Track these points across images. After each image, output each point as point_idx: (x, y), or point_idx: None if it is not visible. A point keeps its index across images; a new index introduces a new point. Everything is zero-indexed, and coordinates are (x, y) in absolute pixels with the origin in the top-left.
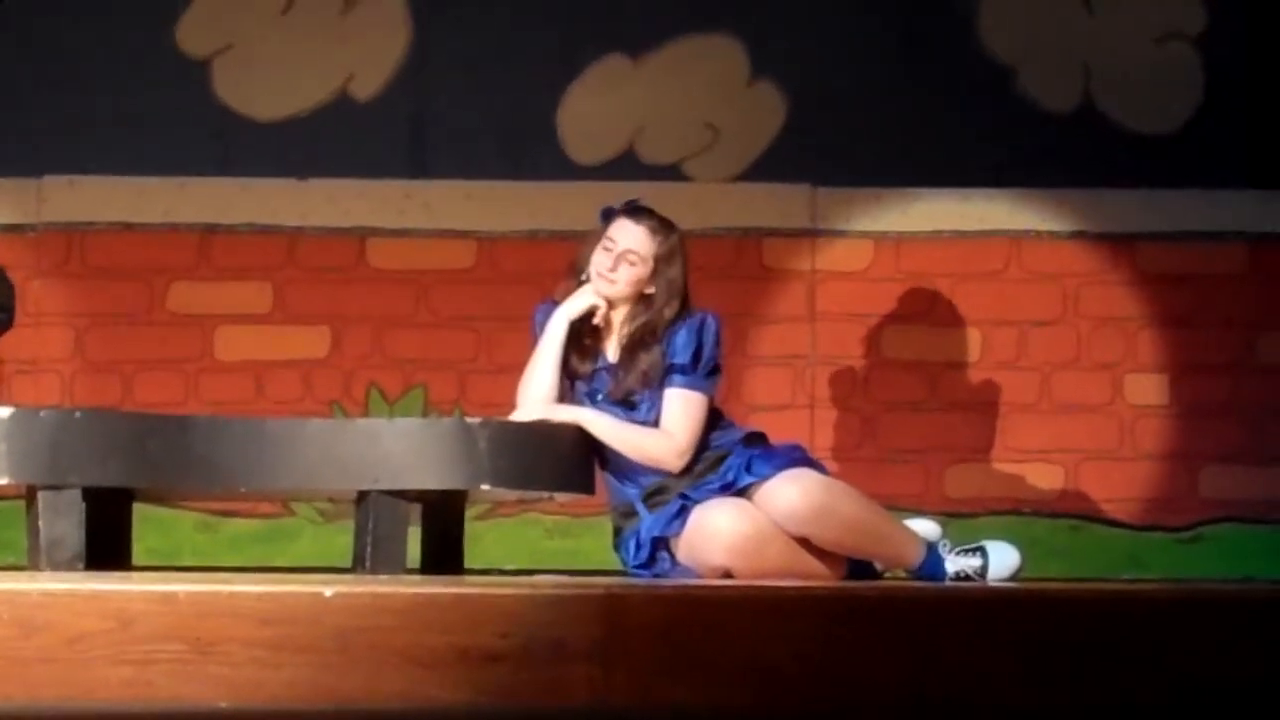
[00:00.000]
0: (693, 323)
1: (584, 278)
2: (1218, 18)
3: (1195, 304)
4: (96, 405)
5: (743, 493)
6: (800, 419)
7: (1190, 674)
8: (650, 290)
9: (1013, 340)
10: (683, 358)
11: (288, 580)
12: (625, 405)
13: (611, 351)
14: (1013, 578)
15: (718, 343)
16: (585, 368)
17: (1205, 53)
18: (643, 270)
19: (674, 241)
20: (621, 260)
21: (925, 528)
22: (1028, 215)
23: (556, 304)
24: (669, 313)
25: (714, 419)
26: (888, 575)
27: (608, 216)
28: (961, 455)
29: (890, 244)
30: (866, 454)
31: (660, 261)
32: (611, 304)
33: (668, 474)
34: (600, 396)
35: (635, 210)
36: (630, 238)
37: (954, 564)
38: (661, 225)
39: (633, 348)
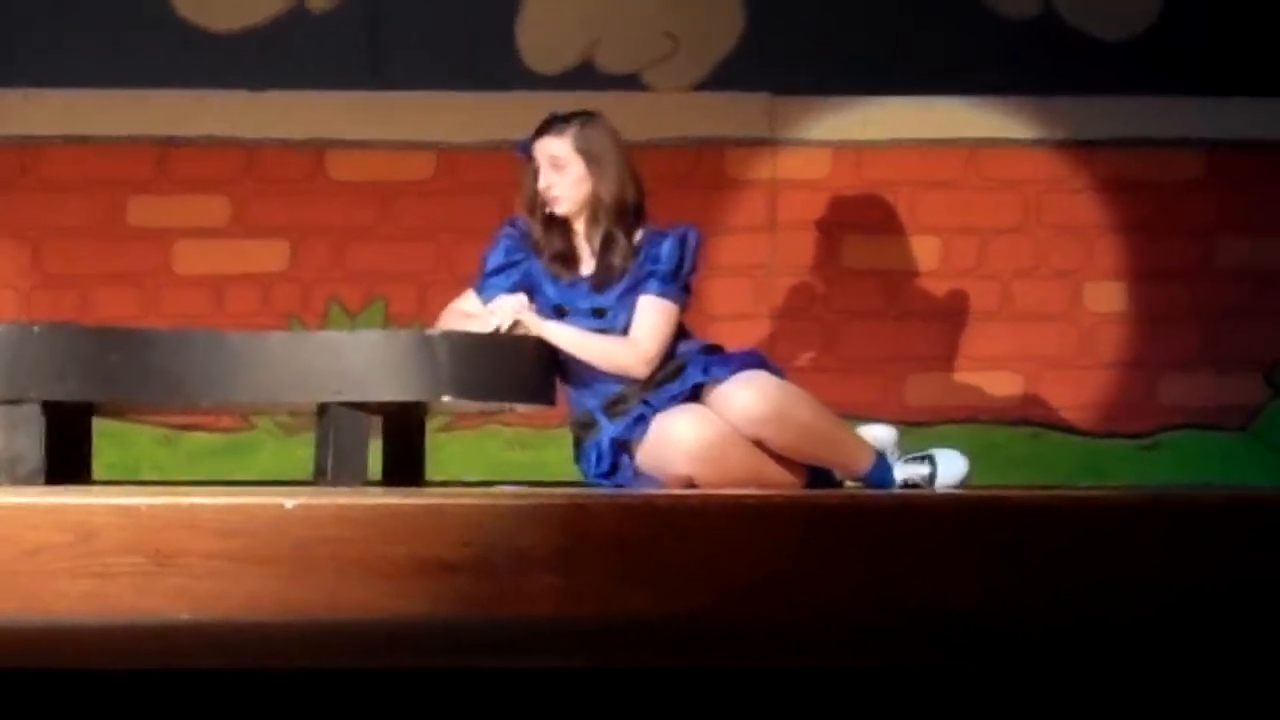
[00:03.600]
0: (677, 233)
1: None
2: None
3: (1155, 211)
4: (54, 320)
5: (698, 394)
6: (760, 329)
7: (1148, 579)
8: (591, 183)
9: (972, 249)
10: (665, 265)
11: (248, 493)
12: (596, 315)
13: (586, 265)
14: (960, 485)
15: (697, 257)
16: (571, 272)
17: None
18: (575, 168)
19: (588, 126)
20: (550, 173)
21: (881, 433)
22: (988, 122)
23: (520, 225)
24: (612, 191)
25: (678, 330)
26: (846, 484)
27: (525, 148)
28: (921, 364)
29: (850, 153)
30: (826, 363)
31: (584, 151)
32: (572, 219)
33: (628, 383)
34: (568, 310)
35: (541, 128)
36: (546, 149)
37: (902, 471)
38: (567, 120)
39: (604, 246)
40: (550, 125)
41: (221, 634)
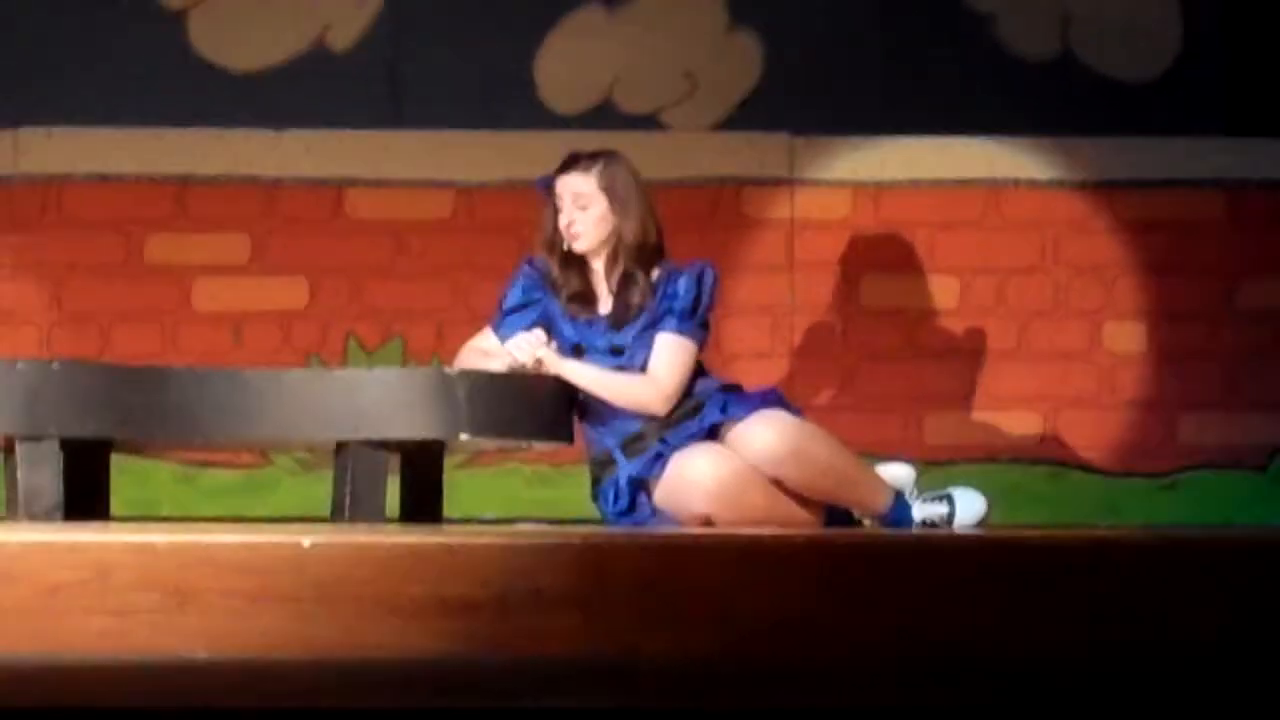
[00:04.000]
0: (693, 270)
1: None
2: None
3: (1174, 252)
4: (74, 357)
5: (716, 432)
6: (778, 368)
7: (1166, 620)
8: (614, 221)
9: (991, 288)
10: (683, 302)
11: (266, 530)
12: (613, 353)
13: (604, 303)
14: (979, 524)
15: (714, 294)
16: (589, 312)
17: (1183, 0)
18: (598, 206)
19: (611, 164)
20: (574, 208)
21: (900, 472)
22: (1006, 163)
23: (538, 264)
24: (634, 229)
25: (696, 368)
26: (865, 524)
27: (545, 185)
28: (939, 403)
29: (869, 193)
30: (845, 403)
31: (607, 189)
32: (591, 257)
33: (646, 422)
34: (587, 349)
35: (564, 165)
36: (571, 186)
37: (921, 511)
38: (592, 158)
39: (621, 288)
40: (575, 162)
41: (239, 673)
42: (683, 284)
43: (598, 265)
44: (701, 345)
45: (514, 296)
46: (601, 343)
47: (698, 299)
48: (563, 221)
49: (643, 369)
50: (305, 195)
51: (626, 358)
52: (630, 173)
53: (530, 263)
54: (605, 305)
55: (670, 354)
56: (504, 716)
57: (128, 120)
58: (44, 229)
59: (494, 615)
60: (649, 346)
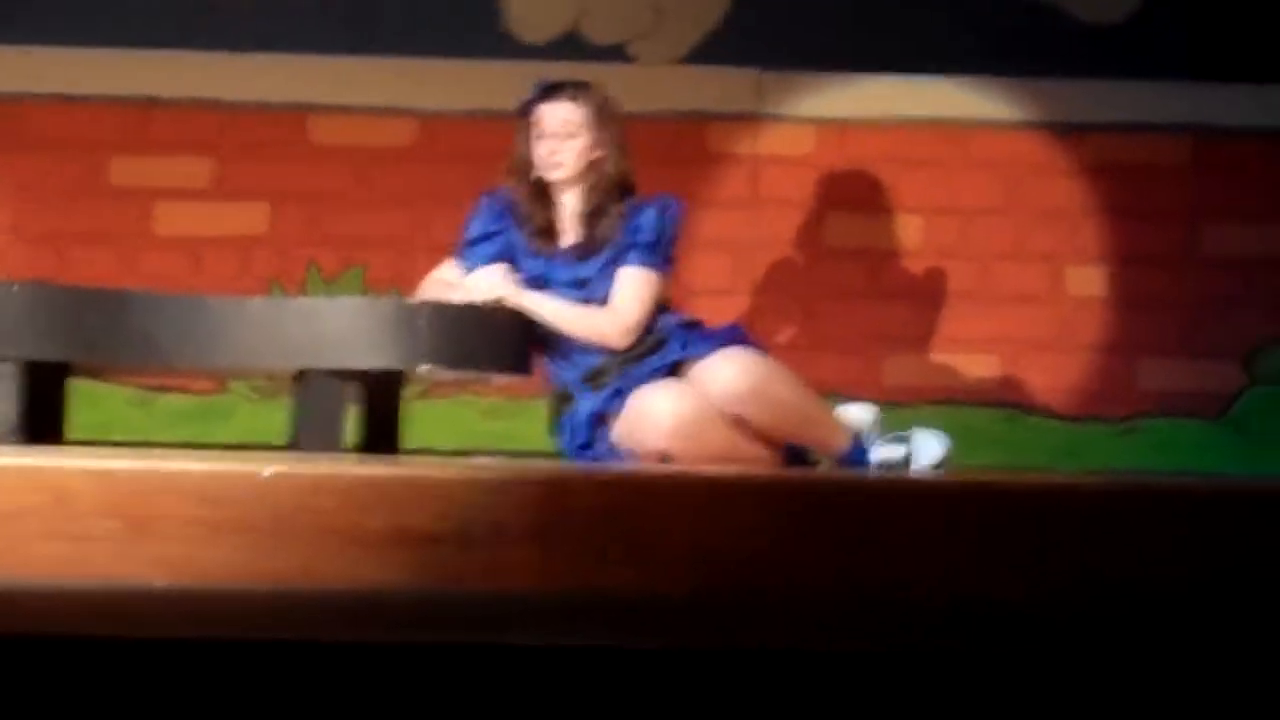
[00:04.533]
0: (659, 204)
1: (534, 174)
2: None
3: (1139, 195)
4: (32, 279)
5: (677, 369)
6: (740, 305)
7: (1121, 566)
8: (598, 153)
9: (954, 229)
10: (647, 236)
11: (226, 459)
12: (577, 286)
13: (568, 236)
14: (938, 467)
15: (677, 228)
16: (551, 247)
17: None
18: (583, 138)
19: (598, 97)
20: (558, 137)
21: (862, 413)
22: (972, 103)
23: (496, 196)
24: (617, 165)
25: (658, 305)
26: (821, 464)
27: (525, 110)
28: (900, 344)
29: (834, 130)
30: (805, 341)
31: (594, 122)
32: (561, 188)
33: (607, 356)
34: (550, 281)
35: (549, 90)
36: (557, 113)
37: (879, 452)
38: (580, 89)
39: (591, 220)
40: (562, 90)
41: (197, 602)
42: (648, 218)
43: (567, 197)
44: (665, 278)
45: (477, 227)
46: (565, 275)
47: (662, 233)
48: (542, 149)
49: (605, 303)
50: (268, 120)
51: (590, 290)
52: (614, 107)
53: (492, 193)
54: (569, 238)
55: (633, 287)
56: (462, 651)
57: (90, 40)
58: (4, 149)
59: (454, 549)
60: (612, 280)
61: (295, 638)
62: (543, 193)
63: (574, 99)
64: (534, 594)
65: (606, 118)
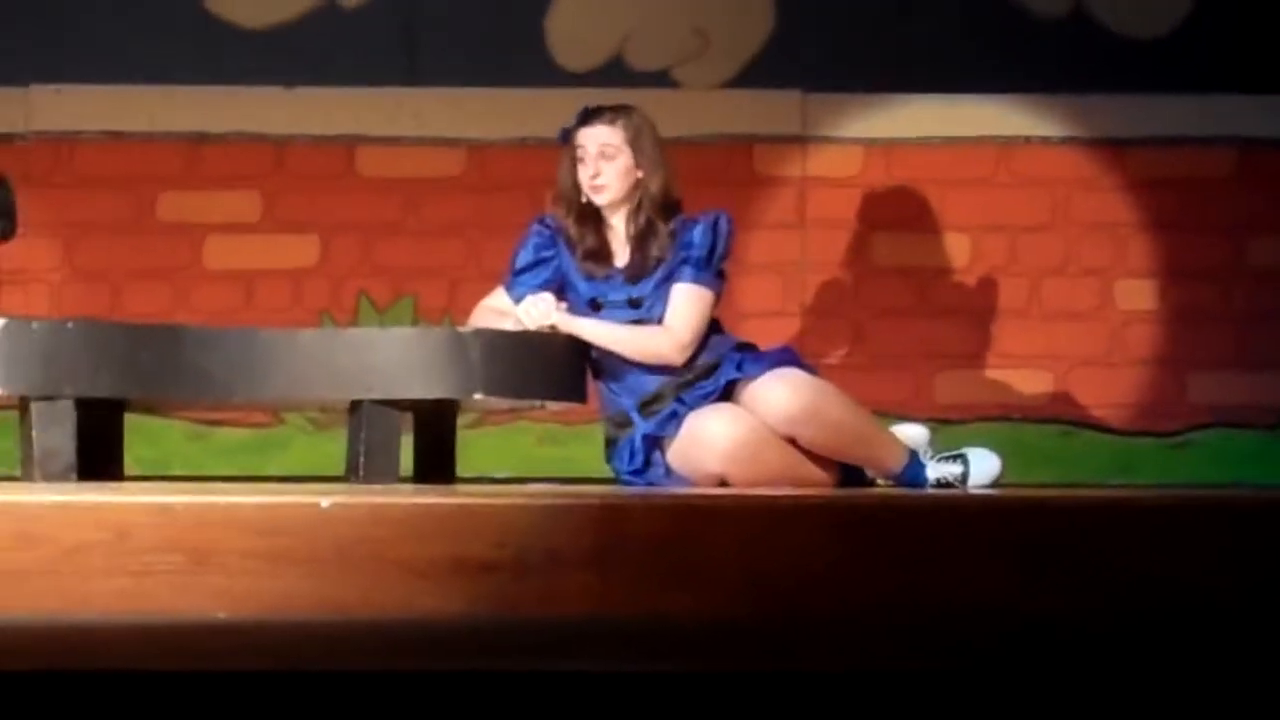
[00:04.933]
0: (708, 219)
1: (582, 199)
2: None
3: (1185, 209)
4: (85, 316)
5: (730, 391)
6: (790, 326)
7: (1178, 579)
8: (640, 173)
9: (1002, 246)
10: (698, 251)
11: (285, 491)
12: (632, 306)
13: (620, 257)
14: (993, 484)
15: (729, 243)
16: (603, 269)
17: None
18: (624, 159)
19: (636, 118)
20: (599, 160)
21: (914, 432)
22: (1018, 120)
23: (544, 223)
24: (659, 182)
25: (712, 326)
26: (879, 483)
27: (566, 136)
28: (951, 362)
29: (880, 150)
30: (856, 361)
31: (632, 142)
32: (609, 211)
33: (663, 381)
34: (604, 303)
35: (587, 115)
36: (596, 137)
37: (935, 470)
38: (617, 111)
39: (640, 240)
40: (598, 114)
41: (258, 633)
42: (697, 233)
43: (616, 219)
44: (718, 295)
45: (525, 256)
46: (618, 296)
47: (713, 248)
48: (585, 174)
49: (661, 321)
50: (316, 153)
51: (644, 310)
52: (652, 127)
53: (541, 221)
54: (621, 259)
55: (686, 303)
56: (520, 678)
57: (139, 78)
58: (55, 187)
59: (511, 576)
60: (666, 298)
61: (357, 668)
62: (592, 217)
63: (611, 122)
64: (591, 620)
65: (646, 137)
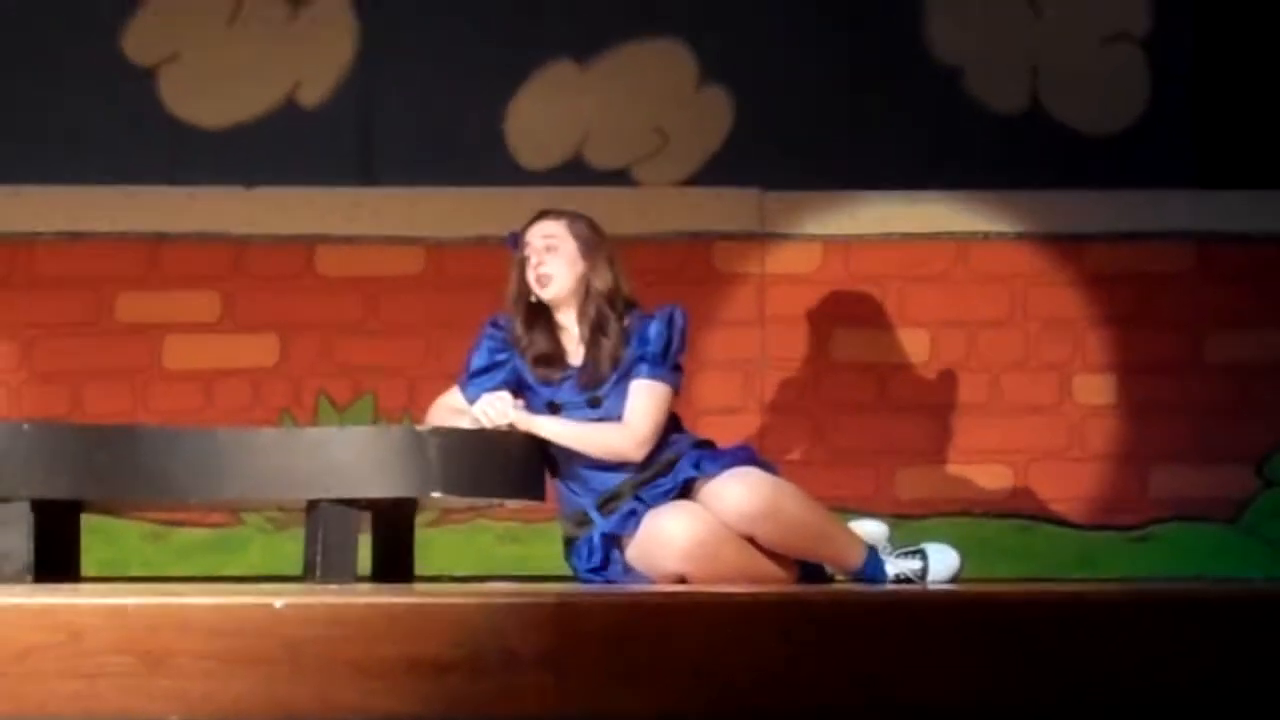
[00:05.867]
0: (663, 315)
1: (531, 299)
2: (1164, 19)
3: (1143, 304)
4: (44, 417)
5: (689, 489)
6: (750, 422)
7: (1141, 673)
8: (584, 266)
9: (961, 341)
10: (654, 347)
11: (238, 591)
12: (591, 405)
13: (574, 355)
14: (953, 579)
15: (684, 337)
16: (555, 374)
17: (1151, 53)
18: (568, 248)
19: (579, 216)
20: (544, 252)
21: (872, 528)
22: (975, 217)
23: (503, 323)
24: (606, 275)
25: (671, 423)
26: (838, 580)
27: (515, 240)
28: (911, 457)
29: (839, 247)
30: (817, 456)
31: (577, 236)
32: (559, 310)
33: (622, 478)
34: (563, 404)
35: (533, 219)
36: (541, 230)
37: (894, 566)
38: (559, 211)
39: (594, 336)
40: (543, 214)
41: None
42: (653, 329)
43: (567, 319)
44: (676, 389)
45: (480, 358)
46: (577, 398)
47: (669, 343)
48: (532, 271)
49: (620, 419)
50: (276, 253)
51: (604, 410)
52: (599, 230)
53: (494, 324)
54: (576, 358)
55: (644, 399)
56: None
57: (97, 178)
58: (13, 287)
59: (466, 675)
60: (622, 398)
61: None
62: (543, 320)
63: (555, 218)
64: (548, 718)
65: (591, 232)
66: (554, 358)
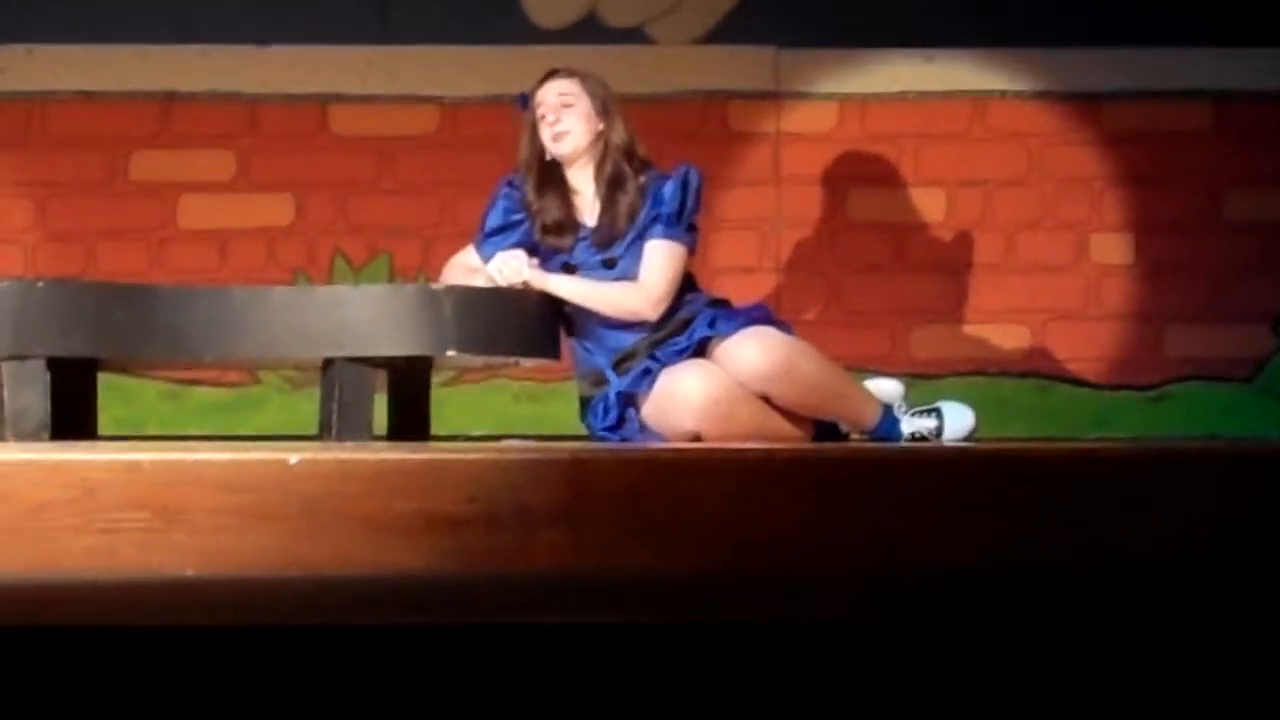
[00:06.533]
0: (678, 175)
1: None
2: None
3: (1161, 163)
4: (59, 276)
5: (704, 348)
6: (766, 282)
7: (1157, 531)
8: (600, 124)
9: (978, 201)
10: (669, 208)
11: (253, 448)
12: (606, 266)
13: (589, 215)
14: (968, 438)
15: (699, 197)
16: (566, 242)
17: None
18: (584, 104)
19: (591, 74)
20: (560, 109)
21: (888, 387)
22: (992, 75)
23: (518, 184)
24: (622, 132)
25: (686, 282)
26: (853, 438)
27: (524, 100)
28: (927, 317)
29: (855, 106)
30: (832, 317)
31: (592, 93)
32: (574, 169)
33: (636, 337)
34: (579, 265)
35: (543, 78)
36: (554, 88)
37: (910, 425)
38: (570, 69)
39: (611, 192)
40: (554, 72)
41: (227, 590)
42: (668, 190)
43: (581, 180)
44: (691, 249)
45: (495, 218)
46: (593, 259)
47: (683, 203)
48: (546, 131)
49: (636, 279)
50: (290, 112)
51: (620, 270)
52: (608, 86)
53: (510, 183)
54: (590, 218)
55: (659, 259)
56: (491, 632)
57: (110, 36)
58: (27, 147)
59: (481, 531)
60: (637, 258)
61: (324, 623)
62: (555, 185)
63: (568, 75)
64: (561, 574)
65: (602, 91)
66: (565, 224)
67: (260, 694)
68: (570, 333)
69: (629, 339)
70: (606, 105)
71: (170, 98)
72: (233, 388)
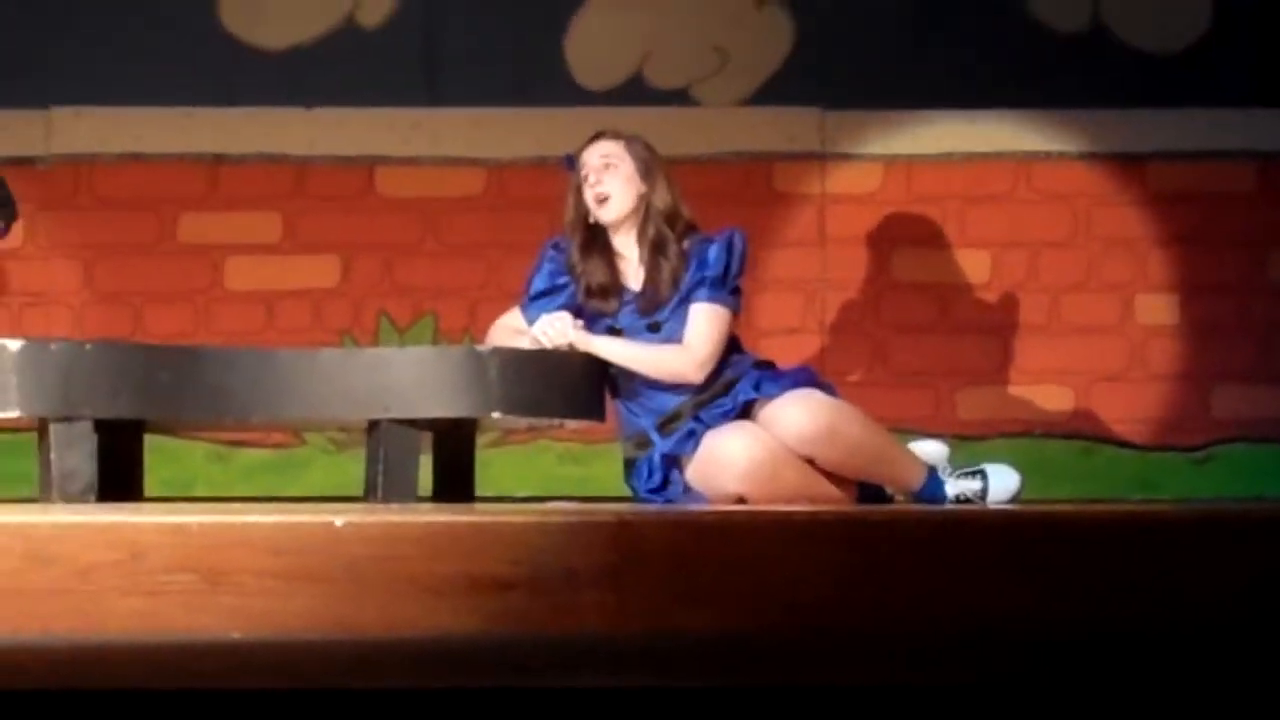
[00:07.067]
0: (722, 238)
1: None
2: None
3: (1205, 223)
4: (107, 337)
5: (748, 410)
6: (811, 343)
7: (1202, 595)
8: (643, 188)
9: (1023, 262)
10: (714, 270)
11: (299, 510)
12: (651, 330)
13: (633, 279)
14: (1013, 500)
15: (744, 260)
16: (611, 305)
17: None
18: (626, 167)
19: (636, 137)
20: (602, 171)
21: (932, 449)
22: (1037, 136)
23: (563, 246)
24: (665, 196)
25: (731, 344)
26: (898, 500)
27: (571, 162)
28: (972, 378)
29: (900, 167)
30: (877, 378)
31: (636, 156)
32: (618, 234)
33: (681, 399)
34: (623, 329)
35: (588, 140)
36: (599, 150)
37: (954, 487)
38: (615, 131)
39: (654, 258)
40: (599, 135)
41: (273, 653)
42: (713, 252)
43: (625, 242)
44: (736, 312)
45: (540, 281)
46: (638, 323)
47: (728, 266)
48: (589, 192)
49: (680, 342)
50: (336, 174)
51: (665, 334)
52: (653, 150)
53: (555, 245)
54: (634, 283)
55: (704, 322)
56: (536, 695)
57: (159, 99)
58: (76, 209)
59: (526, 594)
60: (682, 321)
61: (370, 686)
62: (600, 248)
63: (610, 137)
64: (607, 637)
65: (645, 154)
66: (609, 288)
67: None
68: (615, 394)
69: (673, 401)
70: (650, 168)
71: (218, 160)
72: (278, 449)
